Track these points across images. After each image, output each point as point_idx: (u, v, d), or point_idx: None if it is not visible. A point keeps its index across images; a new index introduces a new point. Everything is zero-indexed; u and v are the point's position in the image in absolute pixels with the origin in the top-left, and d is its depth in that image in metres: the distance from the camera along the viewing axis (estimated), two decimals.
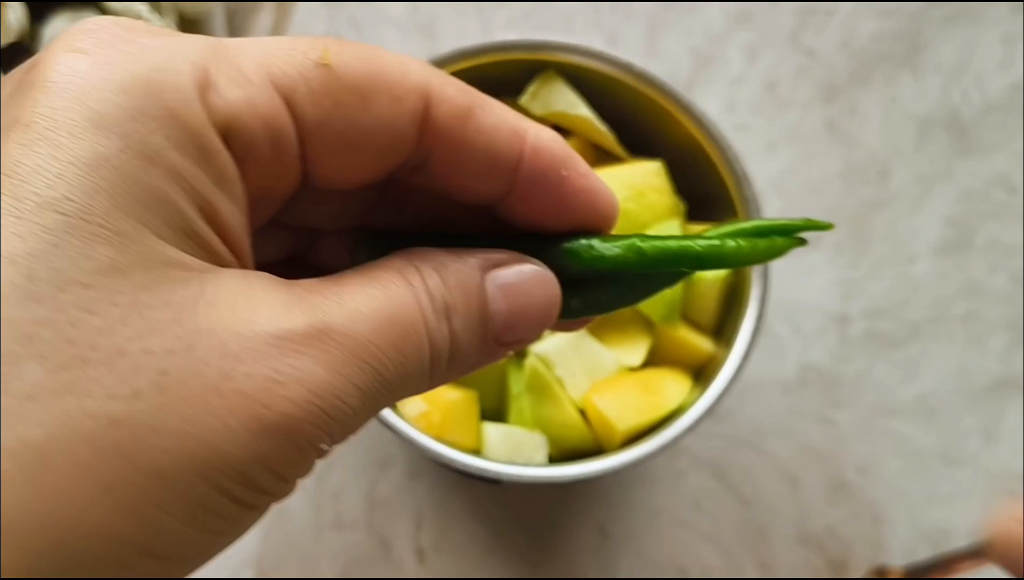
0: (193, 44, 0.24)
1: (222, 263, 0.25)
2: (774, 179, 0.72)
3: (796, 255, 0.70)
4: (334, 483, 0.66)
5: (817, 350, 0.70)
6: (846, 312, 0.70)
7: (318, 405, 0.24)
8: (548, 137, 0.28)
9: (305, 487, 0.66)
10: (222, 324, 0.23)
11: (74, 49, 0.23)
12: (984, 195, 0.72)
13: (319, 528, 0.66)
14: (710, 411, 0.51)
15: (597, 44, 0.57)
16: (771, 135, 0.73)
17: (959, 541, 0.67)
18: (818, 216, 0.68)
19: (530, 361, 0.52)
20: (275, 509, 0.65)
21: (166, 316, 0.22)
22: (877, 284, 0.71)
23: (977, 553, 0.66)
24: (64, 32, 0.24)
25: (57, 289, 0.21)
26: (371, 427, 0.66)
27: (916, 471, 0.68)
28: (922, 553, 0.67)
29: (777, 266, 0.70)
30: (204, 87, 0.24)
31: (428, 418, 0.52)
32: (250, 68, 0.25)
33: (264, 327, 0.24)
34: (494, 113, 0.28)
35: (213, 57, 0.24)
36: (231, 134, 0.25)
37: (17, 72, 0.24)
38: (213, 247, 0.25)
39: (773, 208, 0.71)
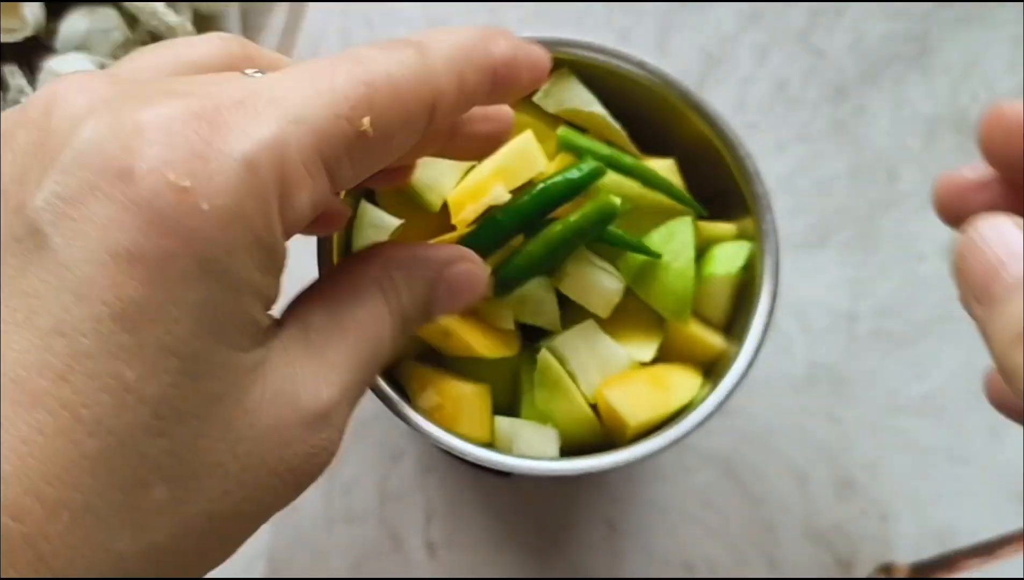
0: (267, 137, 0.28)
1: (268, 330, 0.31)
2: (783, 178, 0.73)
3: (804, 254, 0.71)
4: (345, 477, 0.67)
5: (825, 348, 0.70)
6: (854, 311, 0.71)
7: (333, 454, 0.34)
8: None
9: (317, 481, 0.66)
10: (279, 418, 0.30)
11: (159, 161, 0.27)
12: None
13: (330, 522, 0.66)
14: (721, 407, 0.52)
15: (608, 43, 0.57)
16: (780, 134, 0.74)
17: (965, 539, 0.67)
18: (827, 215, 0.69)
19: (542, 355, 0.53)
20: None
21: (246, 423, 0.29)
22: (886, 283, 0.72)
23: (983, 550, 0.66)
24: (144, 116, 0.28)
25: (177, 423, 0.27)
26: (382, 420, 0.67)
27: (923, 469, 0.69)
28: (929, 551, 0.67)
29: (785, 264, 0.70)
30: (283, 201, 0.28)
31: (440, 411, 0.52)
32: (311, 159, 0.29)
33: (305, 410, 0.31)
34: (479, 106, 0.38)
35: (292, 154, 0.28)
36: (291, 230, 0.30)
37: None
38: (265, 326, 0.31)
39: (782, 206, 0.71)
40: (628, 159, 0.55)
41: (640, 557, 0.67)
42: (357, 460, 0.67)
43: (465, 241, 0.52)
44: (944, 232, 0.71)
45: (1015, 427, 0.69)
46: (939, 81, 0.75)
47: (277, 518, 0.65)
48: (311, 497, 0.66)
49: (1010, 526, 0.67)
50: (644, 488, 0.68)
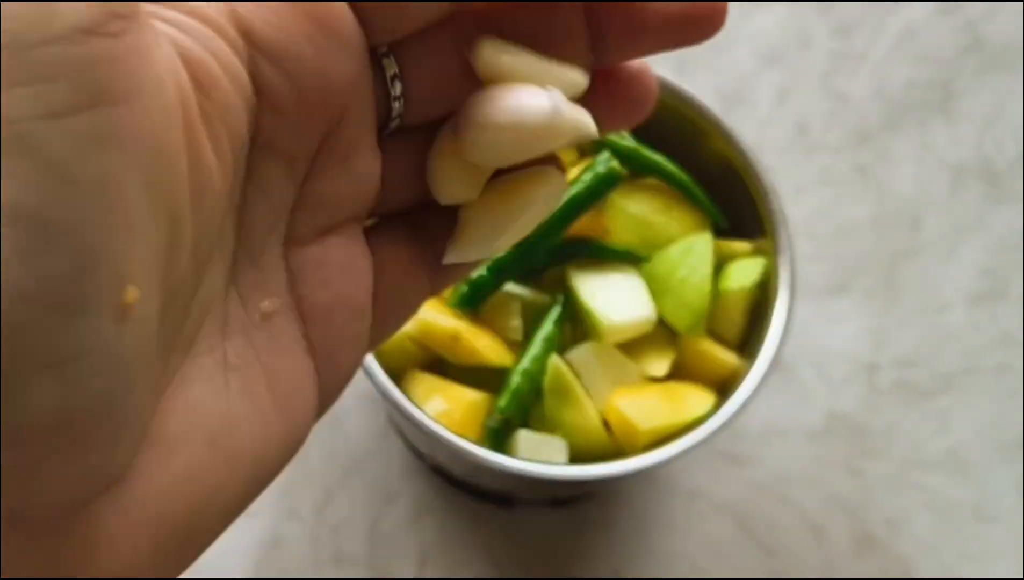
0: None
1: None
2: (803, 222, 0.78)
3: (824, 301, 0.75)
4: (335, 516, 0.70)
5: (845, 399, 0.75)
6: (876, 361, 0.76)
7: None
8: None
9: (304, 519, 0.70)
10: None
11: None
12: (1018, 245, 0.79)
13: (317, 563, 0.70)
14: (736, 416, 0.55)
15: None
16: (800, 178, 0.79)
17: None
18: (848, 261, 0.73)
19: (553, 361, 0.57)
20: (271, 540, 0.69)
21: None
22: (908, 333, 0.77)
23: None
24: None
25: None
26: (376, 459, 0.71)
27: (948, 527, 0.73)
28: None
29: (804, 311, 0.75)
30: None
31: (448, 416, 0.57)
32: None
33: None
34: None
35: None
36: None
37: None
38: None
39: (801, 251, 0.76)
40: (650, 155, 0.60)
41: None
42: (348, 500, 0.71)
43: (499, 262, 0.58)
44: (969, 281, 0.77)
45: None
46: (964, 128, 0.81)
47: (262, 557, 0.69)
48: (298, 536, 0.70)
49: None
50: (653, 537, 0.71)
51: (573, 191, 0.58)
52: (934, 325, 0.77)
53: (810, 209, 0.79)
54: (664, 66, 0.81)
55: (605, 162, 0.58)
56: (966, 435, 0.75)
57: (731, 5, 0.77)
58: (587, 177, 0.58)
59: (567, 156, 0.63)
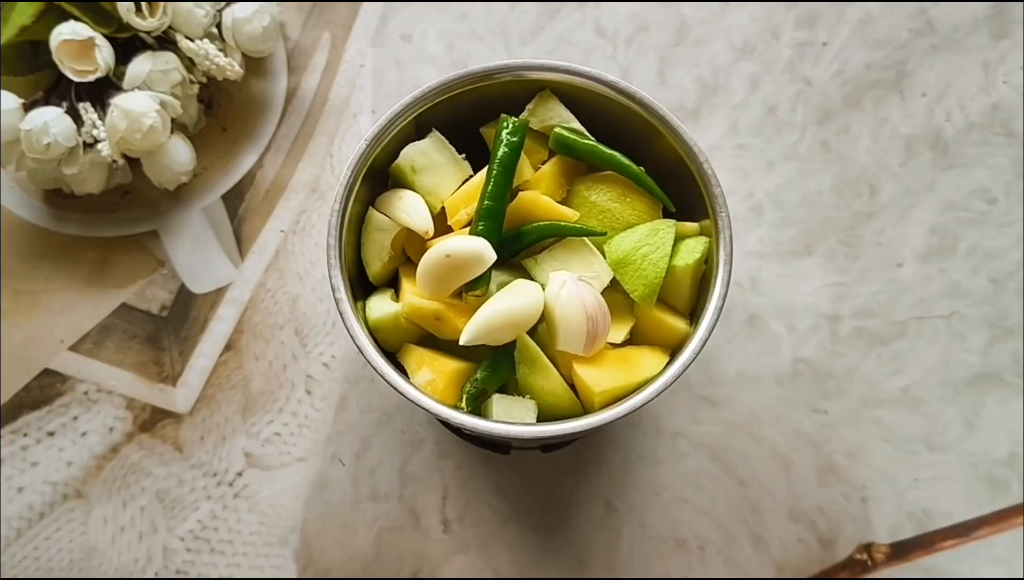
0: None
1: None
2: (773, 193, 0.83)
3: (791, 261, 0.81)
4: (371, 460, 0.78)
5: (810, 346, 0.80)
6: (837, 312, 0.81)
7: None
8: None
9: (346, 463, 0.78)
10: None
11: None
12: (965, 205, 0.83)
13: (357, 499, 0.78)
14: (677, 378, 0.61)
15: (612, 75, 0.68)
16: (770, 154, 0.84)
17: (941, 521, 0.77)
18: (812, 226, 0.80)
19: (521, 336, 0.63)
20: (317, 482, 0.77)
21: None
22: (867, 287, 0.81)
23: (958, 531, 0.77)
24: None
25: None
26: (404, 411, 0.78)
27: (901, 456, 0.78)
28: (907, 531, 0.77)
29: (773, 270, 0.81)
30: None
31: (433, 385, 0.63)
32: None
33: None
34: None
35: None
36: None
37: None
38: None
39: (772, 219, 0.82)
40: (606, 150, 0.66)
41: (636, 533, 0.77)
42: (381, 446, 0.79)
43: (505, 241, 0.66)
44: (920, 240, 0.83)
45: (987, 417, 0.80)
46: (917, 103, 0.85)
47: (308, 495, 0.79)
48: (340, 478, 0.78)
49: (983, 509, 0.76)
50: (641, 471, 0.78)
51: (500, 152, 0.65)
52: (890, 279, 0.81)
53: (779, 181, 0.83)
54: (648, 62, 0.88)
55: (508, 123, 0.66)
56: (918, 375, 0.79)
57: (710, 4, 0.85)
58: (504, 136, 0.66)
59: (536, 154, 0.68)
